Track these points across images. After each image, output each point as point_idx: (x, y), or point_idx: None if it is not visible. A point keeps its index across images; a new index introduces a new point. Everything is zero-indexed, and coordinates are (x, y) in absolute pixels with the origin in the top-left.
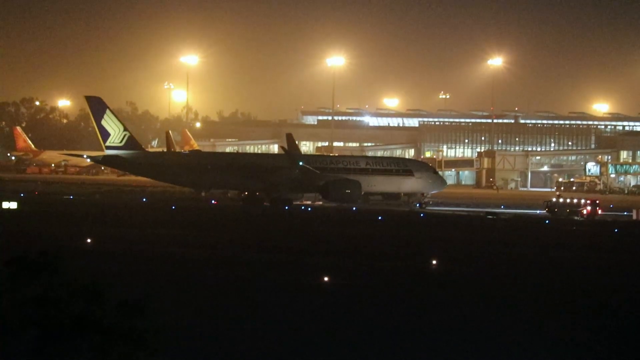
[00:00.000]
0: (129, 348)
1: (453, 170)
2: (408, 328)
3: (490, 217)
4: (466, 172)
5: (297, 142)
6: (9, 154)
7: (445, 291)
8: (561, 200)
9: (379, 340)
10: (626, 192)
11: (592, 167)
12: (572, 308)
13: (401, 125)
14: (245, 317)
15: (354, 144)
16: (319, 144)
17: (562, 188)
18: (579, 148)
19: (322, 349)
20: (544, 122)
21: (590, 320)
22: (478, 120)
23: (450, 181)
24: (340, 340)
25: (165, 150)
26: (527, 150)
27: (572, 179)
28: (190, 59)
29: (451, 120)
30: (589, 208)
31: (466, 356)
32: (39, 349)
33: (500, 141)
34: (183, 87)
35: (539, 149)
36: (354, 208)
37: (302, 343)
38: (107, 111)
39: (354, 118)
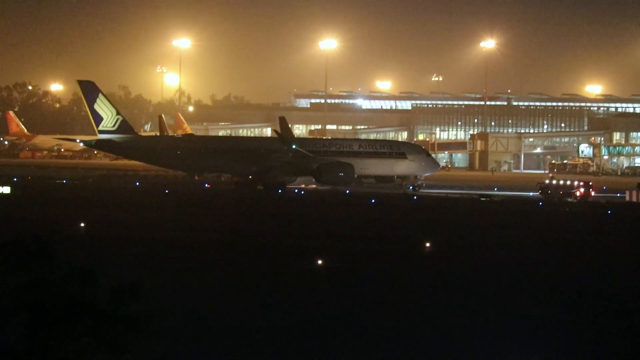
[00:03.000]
0: (122, 331)
1: (446, 152)
2: (397, 315)
3: (483, 199)
4: (459, 155)
5: (290, 126)
6: (1, 139)
7: (436, 274)
8: (554, 182)
9: (370, 326)
10: (619, 173)
11: (585, 149)
12: (564, 292)
13: (394, 108)
14: (239, 300)
15: (347, 127)
16: (312, 127)
17: (555, 170)
18: (571, 130)
19: (313, 335)
20: (537, 104)
21: (582, 306)
22: (471, 103)
23: (443, 163)
24: (330, 326)
25: (158, 134)
26: (520, 133)
27: (565, 161)
28: (182, 42)
29: (444, 102)
30: (582, 190)
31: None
32: (32, 333)
33: (493, 123)
34: (176, 70)
35: (531, 131)
36: (347, 191)
37: (293, 326)
38: (100, 95)
39: (347, 101)
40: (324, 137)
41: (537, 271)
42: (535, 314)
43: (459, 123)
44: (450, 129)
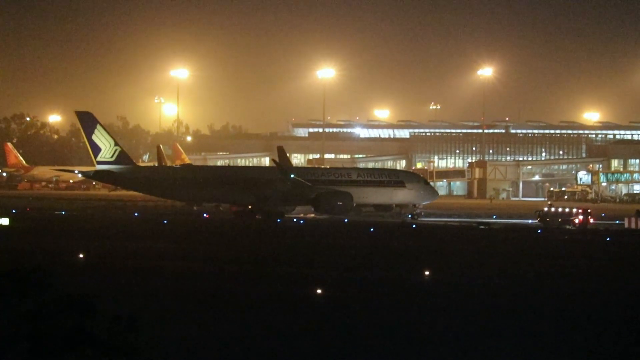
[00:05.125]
0: None
1: (444, 181)
2: (396, 337)
3: (482, 227)
4: (457, 183)
5: (288, 155)
6: (0, 170)
7: (435, 300)
8: (553, 209)
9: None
10: (618, 200)
11: (584, 176)
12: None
13: (392, 136)
14: (238, 328)
15: (345, 156)
16: (310, 156)
17: (553, 197)
18: (570, 157)
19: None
20: (535, 131)
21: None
22: (469, 131)
23: (441, 192)
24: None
25: (156, 164)
26: (519, 160)
27: (563, 188)
28: (180, 72)
29: (442, 130)
30: (580, 217)
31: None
32: None
33: (491, 151)
34: (174, 101)
35: (530, 159)
36: (346, 220)
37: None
38: (98, 126)
39: (345, 130)
40: (323, 167)
41: (532, 298)
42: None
43: (457, 151)
44: (449, 157)
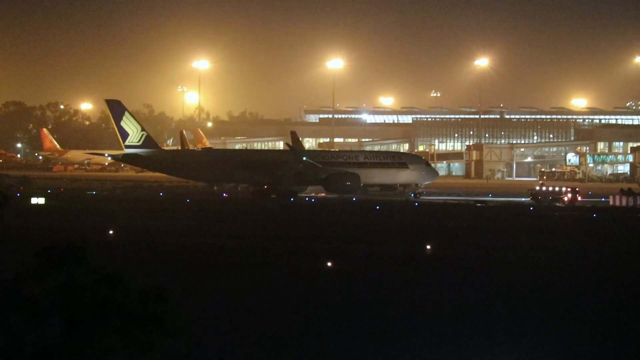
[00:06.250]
0: (149, 330)
1: (444, 162)
2: (400, 311)
3: (479, 205)
4: (456, 164)
5: (300, 139)
6: (36, 154)
7: (438, 274)
8: (544, 188)
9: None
10: (603, 180)
11: (572, 158)
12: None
13: (396, 122)
14: (257, 302)
15: (353, 140)
16: (321, 140)
17: (544, 177)
18: (559, 140)
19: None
20: (527, 116)
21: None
22: (467, 116)
23: (442, 172)
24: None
25: (179, 148)
26: (512, 143)
27: (553, 169)
28: (201, 63)
29: (442, 116)
30: (569, 195)
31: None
32: (67, 333)
33: (487, 135)
34: (195, 89)
35: (523, 142)
36: (354, 198)
37: (305, 324)
38: (126, 113)
39: (353, 116)
40: (332, 150)
41: (530, 270)
42: (530, 312)
43: (456, 135)
44: (448, 141)
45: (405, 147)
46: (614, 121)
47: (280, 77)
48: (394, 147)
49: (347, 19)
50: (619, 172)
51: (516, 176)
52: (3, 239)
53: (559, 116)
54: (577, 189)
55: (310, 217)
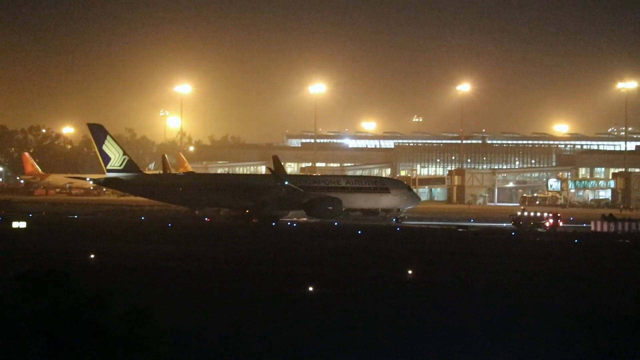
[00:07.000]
0: (131, 353)
1: (426, 187)
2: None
3: (460, 230)
4: (438, 189)
5: (282, 163)
6: (18, 178)
7: (419, 297)
8: (526, 213)
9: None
10: (585, 205)
11: (554, 183)
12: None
13: (378, 146)
14: (240, 323)
15: (335, 165)
16: (303, 165)
17: (526, 202)
18: (541, 166)
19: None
20: (509, 142)
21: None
22: (449, 142)
23: (423, 197)
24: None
25: (161, 172)
26: (494, 168)
27: (535, 194)
28: (183, 87)
29: (424, 141)
30: (551, 221)
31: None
32: (49, 356)
33: (469, 160)
34: (177, 114)
35: (505, 167)
36: (336, 223)
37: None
38: (108, 137)
39: (335, 140)
40: (314, 174)
41: (506, 291)
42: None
43: (438, 160)
44: (430, 166)
45: (387, 172)
46: (595, 147)
47: (263, 102)
48: (376, 172)
49: (329, 44)
50: (600, 197)
51: (498, 201)
52: None
53: (541, 142)
54: (558, 215)
55: (290, 241)
